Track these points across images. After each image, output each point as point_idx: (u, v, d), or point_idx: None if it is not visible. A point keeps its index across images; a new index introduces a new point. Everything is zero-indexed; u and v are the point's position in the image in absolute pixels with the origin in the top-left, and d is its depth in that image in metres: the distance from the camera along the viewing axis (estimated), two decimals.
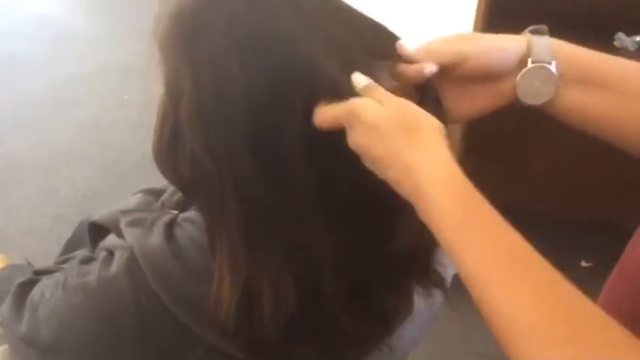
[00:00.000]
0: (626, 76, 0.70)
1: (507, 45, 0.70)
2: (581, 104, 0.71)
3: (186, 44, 0.66)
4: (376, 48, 0.70)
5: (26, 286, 0.83)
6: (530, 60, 0.69)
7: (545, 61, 0.69)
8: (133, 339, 0.71)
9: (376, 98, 0.62)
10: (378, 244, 0.72)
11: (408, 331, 0.86)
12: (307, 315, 0.71)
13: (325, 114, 0.63)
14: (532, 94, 0.71)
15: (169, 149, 0.70)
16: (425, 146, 0.59)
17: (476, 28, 1.75)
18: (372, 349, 0.83)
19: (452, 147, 0.60)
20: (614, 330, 0.49)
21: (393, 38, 0.72)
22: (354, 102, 0.62)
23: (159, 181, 1.05)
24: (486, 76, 0.71)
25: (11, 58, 3.29)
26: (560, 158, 2.11)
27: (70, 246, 1.22)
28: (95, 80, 3.14)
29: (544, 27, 0.71)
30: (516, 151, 2.16)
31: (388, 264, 0.75)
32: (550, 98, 0.70)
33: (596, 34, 1.87)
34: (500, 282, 0.53)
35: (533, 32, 0.71)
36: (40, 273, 0.88)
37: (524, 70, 0.70)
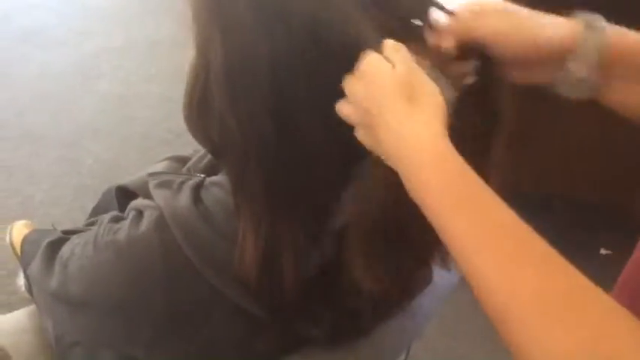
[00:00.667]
0: None
1: (549, 36, 0.65)
2: (621, 98, 0.67)
3: (216, 7, 0.67)
4: (405, 12, 0.70)
5: (55, 244, 0.86)
6: (572, 61, 0.65)
7: (590, 64, 0.64)
8: (161, 294, 0.73)
9: (391, 58, 0.61)
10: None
11: (426, 300, 0.87)
12: (327, 278, 0.73)
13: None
14: (570, 89, 0.67)
15: (199, 112, 0.72)
16: (420, 118, 0.58)
17: None
18: (390, 315, 0.84)
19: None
20: (611, 308, 0.47)
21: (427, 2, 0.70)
22: (367, 60, 0.62)
23: (193, 154, 1.07)
24: (518, 61, 0.67)
25: (37, 32, 3.31)
26: (576, 141, 2.09)
27: (97, 212, 1.25)
28: (121, 55, 3.16)
29: (599, 21, 0.65)
30: (531, 135, 2.14)
31: (408, 230, 0.76)
32: (591, 95, 0.67)
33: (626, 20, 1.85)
34: (493, 256, 0.51)
35: (587, 26, 0.64)
36: (69, 233, 0.91)
37: (563, 71, 0.66)
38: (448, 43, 0.67)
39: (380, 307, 0.82)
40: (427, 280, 0.84)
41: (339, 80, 0.64)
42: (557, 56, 0.65)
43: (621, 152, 1.96)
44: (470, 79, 0.70)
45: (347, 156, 0.68)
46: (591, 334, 0.46)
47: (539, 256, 0.51)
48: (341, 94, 0.64)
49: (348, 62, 0.63)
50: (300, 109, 0.66)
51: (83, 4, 3.63)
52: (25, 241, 1.25)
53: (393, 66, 0.61)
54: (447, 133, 0.58)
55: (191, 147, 1.05)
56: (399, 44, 0.63)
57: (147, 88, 2.90)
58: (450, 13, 0.68)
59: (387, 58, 0.61)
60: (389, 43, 0.63)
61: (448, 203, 0.55)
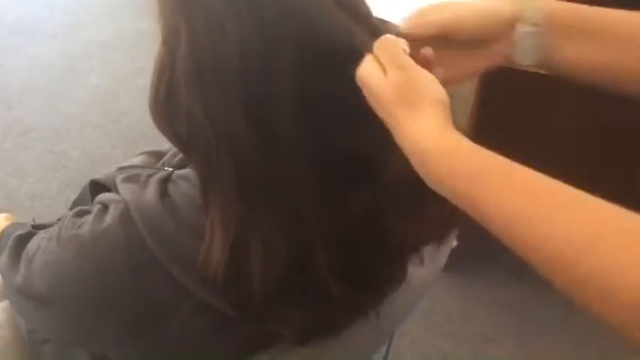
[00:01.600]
0: (620, 25, 0.70)
1: (497, 9, 0.70)
2: (576, 59, 0.70)
3: None
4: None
5: (23, 239, 0.85)
6: (519, 25, 0.69)
7: (534, 23, 0.69)
8: (125, 290, 0.72)
9: (382, 61, 0.62)
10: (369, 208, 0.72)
11: (399, 300, 0.86)
12: (297, 277, 0.72)
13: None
14: (524, 56, 0.71)
15: (165, 105, 0.70)
16: (421, 117, 0.59)
17: None
18: (361, 315, 0.83)
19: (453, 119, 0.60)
20: None
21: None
22: (360, 70, 0.63)
23: (169, 149, 1.06)
24: (478, 41, 0.71)
25: (26, 24, 3.30)
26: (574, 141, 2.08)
27: (77, 206, 1.23)
28: (110, 48, 3.14)
29: None
30: (530, 132, 2.14)
31: (382, 230, 0.75)
32: (542, 58, 0.70)
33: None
34: (537, 214, 0.52)
35: None
36: (38, 227, 0.90)
37: (514, 35, 0.69)
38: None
39: (351, 307, 0.81)
40: (400, 279, 0.83)
41: (313, 71, 0.64)
42: (507, 25, 0.70)
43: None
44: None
45: (321, 150, 0.67)
46: None
47: (576, 198, 0.52)
48: (315, 86, 0.64)
49: (320, 53, 0.63)
50: (273, 103, 0.65)
51: None
52: (3, 234, 1.24)
53: (385, 71, 0.61)
54: (446, 120, 0.59)
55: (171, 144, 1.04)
56: (390, 41, 0.63)
57: (135, 81, 2.88)
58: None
59: (378, 62, 0.62)
60: (379, 44, 0.63)
61: (472, 183, 0.55)
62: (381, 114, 0.62)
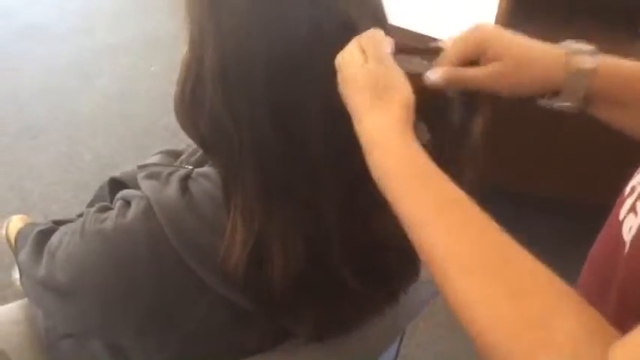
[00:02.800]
0: None
1: (539, 63, 0.69)
2: (606, 117, 0.72)
3: (209, 0, 0.68)
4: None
5: (45, 233, 0.86)
6: (561, 91, 0.69)
7: (577, 94, 0.69)
8: (146, 283, 0.73)
9: (367, 51, 0.64)
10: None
11: (411, 297, 0.87)
12: (314, 274, 0.73)
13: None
14: (553, 108, 0.71)
15: (190, 104, 0.72)
16: (379, 111, 0.61)
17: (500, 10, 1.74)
18: (376, 311, 0.84)
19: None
20: (543, 275, 0.50)
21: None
22: (343, 51, 0.65)
23: (186, 148, 1.08)
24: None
25: (38, 28, 3.32)
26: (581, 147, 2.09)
27: (94, 204, 1.25)
28: (121, 52, 3.17)
29: (588, 47, 0.69)
30: (537, 139, 2.14)
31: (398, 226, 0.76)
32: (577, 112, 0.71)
33: (621, 22, 1.86)
34: (436, 226, 0.55)
35: (577, 70, 0.68)
36: (59, 223, 0.91)
37: (552, 98, 0.70)
38: (439, 81, 0.69)
39: (366, 304, 0.82)
40: (413, 275, 0.84)
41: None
42: (548, 90, 0.70)
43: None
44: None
45: (343, 151, 0.69)
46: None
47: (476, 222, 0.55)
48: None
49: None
50: (300, 105, 0.67)
51: (84, 2, 3.65)
52: (19, 234, 1.25)
53: (366, 60, 0.63)
54: (407, 124, 0.61)
55: (187, 144, 1.06)
56: (380, 36, 0.65)
57: (146, 85, 2.91)
58: (439, 49, 0.70)
59: (363, 50, 0.64)
60: (368, 34, 0.65)
61: (396, 185, 0.59)
62: (346, 98, 0.64)
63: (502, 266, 0.51)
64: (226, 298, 0.74)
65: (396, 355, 1.22)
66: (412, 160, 0.59)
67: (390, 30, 0.72)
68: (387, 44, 0.66)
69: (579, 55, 0.68)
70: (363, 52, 0.64)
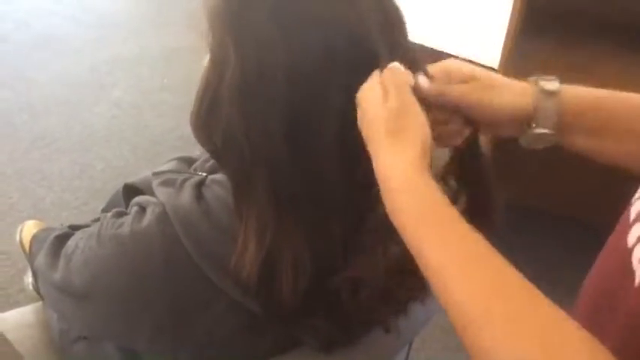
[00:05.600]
0: (628, 117, 0.72)
1: (509, 108, 0.72)
2: (582, 147, 0.74)
3: (232, 16, 0.69)
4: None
5: (62, 238, 0.88)
6: (534, 126, 0.72)
7: (549, 128, 0.71)
8: (162, 287, 0.75)
9: (388, 88, 0.65)
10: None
11: (418, 308, 0.88)
12: (323, 285, 0.74)
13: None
14: (534, 143, 0.74)
15: (207, 118, 0.74)
16: (397, 150, 0.62)
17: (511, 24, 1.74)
18: (382, 322, 0.85)
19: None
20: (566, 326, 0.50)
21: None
22: (364, 87, 0.67)
23: (199, 156, 1.09)
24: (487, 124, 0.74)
25: (53, 39, 3.36)
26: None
27: (108, 210, 1.27)
28: (135, 64, 3.20)
29: (554, 84, 0.72)
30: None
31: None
32: (553, 145, 0.74)
33: (630, 35, 1.86)
34: (455, 275, 0.55)
35: (542, 91, 0.71)
36: (75, 228, 0.93)
37: (527, 133, 0.73)
38: (426, 87, 0.71)
39: (373, 315, 0.83)
40: (420, 287, 0.85)
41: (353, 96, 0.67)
42: (520, 121, 0.72)
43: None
44: (458, 140, 0.75)
45: (355, 169, 0.70)
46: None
47: (493, 270, 0.55)
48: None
49: (363, 77, 0.67)
50: (315, 127, 0.68)
51: (100, 13, 3.69)
52: (34, 239, 1.28)
53: (387, 98, 0.64)
54: (424, 163, 0.61)
55: (201, 151, 1.08)
56: (402, 72, 0.67)
57: (159, 96, 2.93)
58: (430, 76, 0.71)
59: (384, 87, 0.65)
60: (391, 71, 0.66)
61: (414, 225, 0.59)
62: (365, 137, 0.65)
63: (532, 320, 0.51)
64: (240, 302, 0.76)
65: None
66: (429, 201, 0.60)
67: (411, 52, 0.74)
68: (409, 80, 0.67)
69: (542, 80, 0.71)
70: (384, 88, 0.65)
